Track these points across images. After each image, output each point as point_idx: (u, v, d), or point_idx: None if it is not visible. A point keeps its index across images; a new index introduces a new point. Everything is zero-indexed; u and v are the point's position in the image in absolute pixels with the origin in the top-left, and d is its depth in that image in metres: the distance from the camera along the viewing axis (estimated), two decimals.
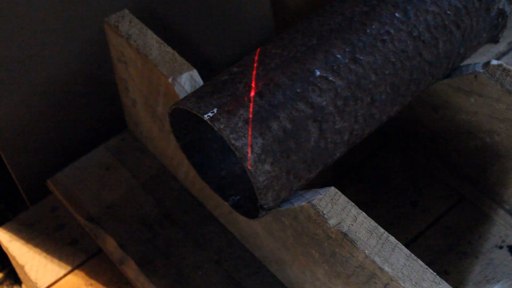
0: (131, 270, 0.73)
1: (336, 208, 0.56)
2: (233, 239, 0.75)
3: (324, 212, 0.56)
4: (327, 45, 0.58)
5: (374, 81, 0.58)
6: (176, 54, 0.68)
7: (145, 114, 0.77)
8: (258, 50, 0.59)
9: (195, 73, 0.66)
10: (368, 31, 0.59)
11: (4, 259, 0.93)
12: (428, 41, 0.61)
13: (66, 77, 0.81)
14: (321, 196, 0.56)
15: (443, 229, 0.75)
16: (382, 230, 0.55)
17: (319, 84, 0.56)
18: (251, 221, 0.68)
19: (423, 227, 0.75)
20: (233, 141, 0.52)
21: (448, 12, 0.62)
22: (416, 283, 0.53)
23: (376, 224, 0.55)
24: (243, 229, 0.72)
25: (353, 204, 0.56)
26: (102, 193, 0.80)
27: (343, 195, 0.57)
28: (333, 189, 0.57)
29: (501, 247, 0.73)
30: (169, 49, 0.68)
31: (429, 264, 0.57)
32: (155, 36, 0.69)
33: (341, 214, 0.56)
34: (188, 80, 0.66)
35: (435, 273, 0.53)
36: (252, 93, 0.54)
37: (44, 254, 0.77)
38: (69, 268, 0.76)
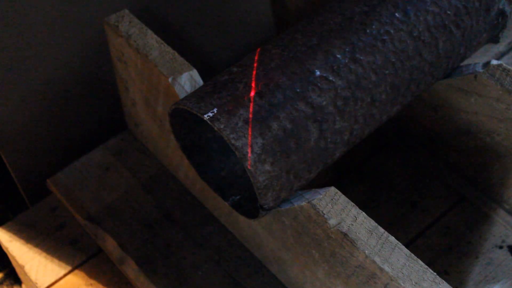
0: (131, 270, 0.73)
1: (336, 208, 0.56)
2: (233, 239, 0.75)
3: (324, 212, 0.56)
4: (327, 45, 0.58)
5: (374, 81, 0.58)
6: (176, 54, 0.68)
7: (145, 114, 0.77)
8: (258, 50, 0.59)
9: (195, 73, 0.66)
10: (368, 31, 0.59)
11: (4, 259, 0.93)
12: (428, 41, 0.61)
13: (66, 77, 0.81)
14: (321, 196, 0.56)
15: (443, 229, 0.75)
16: (382, 230, 0.55)
17: (319, 84, 0.56)
18: (251, 221, 0.68)
19: (423, 227, 0.75)
20: (233, 141, 0.52)
21: (448, 12, 0.62)
22: (416, 283, 0.53)
23: (376, 224, 0.55)
24: (243, 229, 0.72)
25: (353, 204, 0.56)
26: (102, 193, 0.80)
27: (343, 195, 0.57)
28: (333, 189, 0.57)
29: (501, 247, 0.73)
30: (169, 49, 0.68)
31: (429, 264, 0.57)
32: (155, 36, 0.69)
33: (341, 214, 0.56)
34: (188, 80, 0.66)
35: (435, 273, 0.53)
36: (252, 93, 0.54)
37: (44, 254, 0.77)
38: (69, 268, 0.76)
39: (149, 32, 0.70)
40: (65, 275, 0.76)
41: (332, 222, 0.55)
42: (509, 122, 0.68)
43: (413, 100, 0.66)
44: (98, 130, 0.87)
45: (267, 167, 0.53)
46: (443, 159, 0.79)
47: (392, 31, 0.60)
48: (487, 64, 0.67)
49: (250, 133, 0.53)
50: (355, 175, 0.80)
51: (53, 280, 0.75)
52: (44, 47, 0.77)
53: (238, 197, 0.61)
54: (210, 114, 0.53)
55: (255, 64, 0.57)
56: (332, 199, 0.56)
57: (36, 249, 0.78)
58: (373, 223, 0.55)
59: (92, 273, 0.76)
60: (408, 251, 0.54)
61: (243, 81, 0.55)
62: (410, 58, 0.60)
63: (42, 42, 0.76)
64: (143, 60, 0.69)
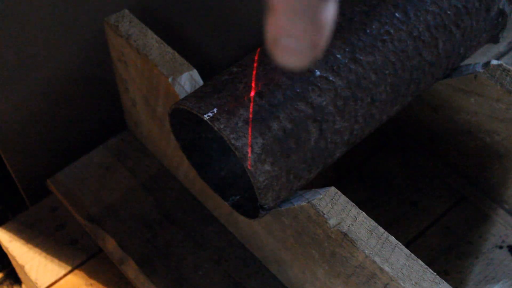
0: (131, 270, 0.73)
1: (336, 208, 0.56)
2: (233, 239, 0.75)
3: (324, 212, 0.56)
4: (327, 45, 0.58)
5: (374, 81, 0.58)
6: (176, 54, 0.68)
7: (145, 114, 0.77)
8: (258, 50, 0.59)
9: (195, 73, 0.66)
10: (368, 31, 0.59)
11: (4, 259, 0.93)
12: (428, 41, 0.61)
13: (66, 77, 0.81)
14: (321, 196, 0.56)
15: (443, 229, 0.75)
16: (382, 230, 0.55)
17: (319, 84, 0.56)
18: (251, 221, 0.68)
19: (423, 227, 0.75)
20: (233, 141, 0.52)
21: (448, 12, 0.62)
22: (416, 283, 0.53)
23: (376, 224, 0.55)
24: (243, 229, 0.72)
25: (353, 204, 0.56)
26: (102, 193, 0.80)
27: (343, 195, 0.57)
28: (333, 189, 0.57)
29: (501, 247, 0.73)
30: (169, 49, 0.68)
31: (429, 264, 0.57)
32: (155, 36, 0.69)
33: (341, 214, 0.56)
34: (188, 80, 0.66)
35: (435, 273, 0.53)
36: (252, 93, 0.54)
37: (44, 254, 0.77)
38: (69, 268, 0.76)
39: (149, 32, 0.70)
40: (65, 275, 0.76)
41: (332, 222, 0.55)
42: (509, 122, 0.68)
43: (413, 100, 0.66)
44: (98, 130, 0.87)
45: (267, 167, 0.53)
46: (443, 159, 0.79)
47: (392, 31, 0.60)
48: (487, 64, 0.67)
49: (250, 133, 0.53)
50: (355, 175, 0.80)
51: (53, 280, 0.75)
52: (44, 47, 0.77)
53: (238, 197, 0.61)
54: (210, 114, 0.53)
55: (255, 64, 0.57)
56: (332, 199, 0.56)
57: (36, 249, 0.78)
58: (373, 223, 0.55)
59: (92, 273, 0.76)
60: (408, 251, 0.54)
61: (243, 81, 0.55)
62: (410, 58, 0.60)
63: (42, 42, 0.76)
64: (143, 60, 0.69)
